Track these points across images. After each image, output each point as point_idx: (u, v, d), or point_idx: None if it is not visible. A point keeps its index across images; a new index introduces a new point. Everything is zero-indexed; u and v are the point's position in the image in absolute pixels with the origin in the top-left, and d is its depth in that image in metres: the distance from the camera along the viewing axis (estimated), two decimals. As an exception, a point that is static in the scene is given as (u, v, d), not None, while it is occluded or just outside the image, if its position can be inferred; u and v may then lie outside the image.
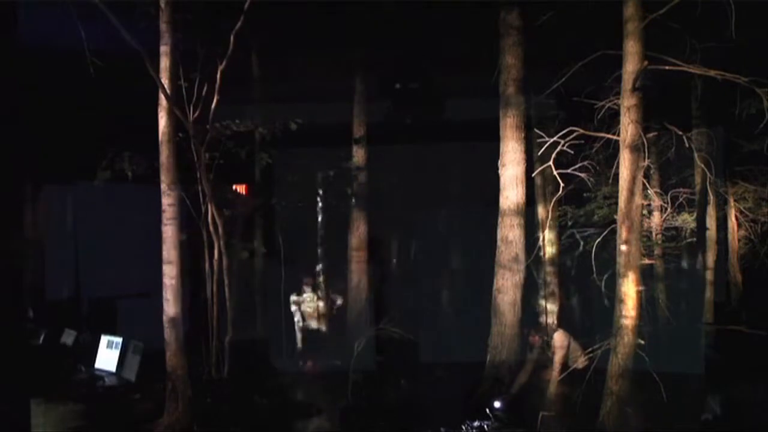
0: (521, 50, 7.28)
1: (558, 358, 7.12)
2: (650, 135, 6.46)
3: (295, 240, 10.28)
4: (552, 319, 9.71)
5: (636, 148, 5.78)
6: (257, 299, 10.03)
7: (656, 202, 8.57)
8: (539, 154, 7.65)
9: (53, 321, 9.62)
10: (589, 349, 6.55)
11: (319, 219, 10.61)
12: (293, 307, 9.60)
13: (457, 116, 10.43)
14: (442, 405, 7.25)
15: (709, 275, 8.80)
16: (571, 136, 6.19)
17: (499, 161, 7.34)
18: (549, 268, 9.78)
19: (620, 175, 5.86)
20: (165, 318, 6.34)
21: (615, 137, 6.10)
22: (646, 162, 6.19)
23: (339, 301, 9.89)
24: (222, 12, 7.11)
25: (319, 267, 10.49)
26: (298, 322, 9.57)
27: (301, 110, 8.77)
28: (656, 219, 9.13)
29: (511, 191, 7.27)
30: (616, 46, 5.87)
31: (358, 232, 9.75)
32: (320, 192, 10.38)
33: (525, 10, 7.25)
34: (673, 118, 6.78)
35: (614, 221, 6.19)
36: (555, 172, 6.29)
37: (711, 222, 8.99)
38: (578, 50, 6.28)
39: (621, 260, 5.84)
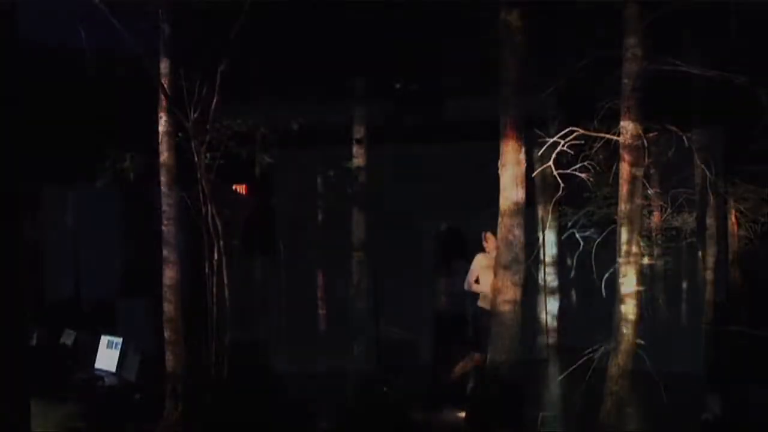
0: (522, 50, 7.27)
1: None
2: (650, 135, 6.46)
3: (295, 240, 10.30)
4: (551, 319, 9.74)
5: (636, 148, 5.78)
6: (257, 299, 10.05)
7: (656, 202, 8.57)
8: (539, 154, 7.66)
9: (53, 321, 9.62)
10: (588, 350, 6.56)
11: (319, 219, 10.62)
12: None
13: (456, 116, 10.43)
14: (440, 405, 7.26)
15: (709, 275, 8.80)
16: (571, 136, 6.19)
17: (499, 161, 7.35)
18: (549, 269, 9.79)
19: (620, 175, 5.87)
20: (165, 318, 6.35)
21: (615, 137, 6.10)
22: (646, 162, 6.19)
23: None
24: (223, 11, 7.12)
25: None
26: None
27: (301, 110, 8.77)
28: (656, 219, 9.14)
29: (511, 191, 7.26)
30: (617, 45, 5.88)
31: (358, 232, 9.77)
32: (320, 192, 10.40)
33: (525, 9, 7.24)
34: (673, 118, 6.78)
35: (614, 221, 6.19)
36: (555, 173, 6.30)
37: (711, 222, 8.99)
38: (578, 50, 6.29)
39: (621, 260, 5.85)
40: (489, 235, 7.34)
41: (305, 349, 9.49)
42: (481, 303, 7.39)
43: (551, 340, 9.67)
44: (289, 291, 9.91)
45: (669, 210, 8.68)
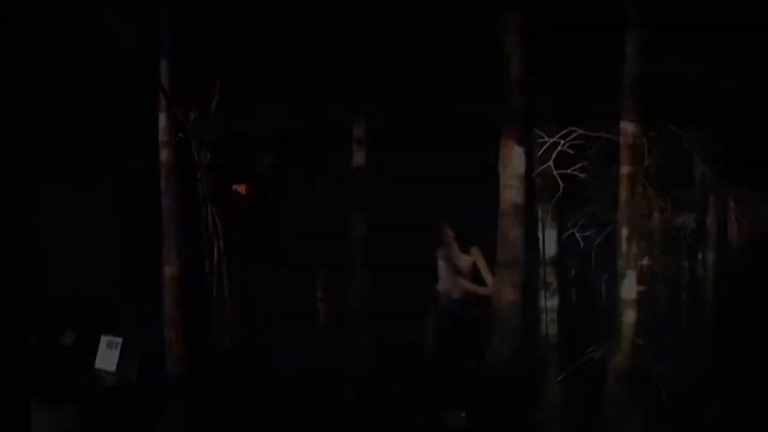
0: (522, 50, 7.27)
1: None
2: (650, 135, 6.47)
3: (295, 240, 10.29)
4: (551, 320, 9.74)
5: (636, 148, 5.79)
6: (257, 299, 10.04)
7: (656, 202, 8.57)
8: (539, 154, 7.68)
9: (53, 321, 9.62)
10: (588, 350, 6.57)
11: (319, 219, 10.61)
12: None
13: (456, 116, 10.43)
14: (440, 405, 7.26)
15: (709, 275, 8.81)
16: (572, 136, 6.21)
17: (499, 161, 7.35)
18: (549, 269, 9.78)
19: (620, 175, 5.88)
20: (165, 318, 6.36)
21: (615, 137, 6.11)
22: (646, 162, 6.20)
23: None
24: (223, 10, 7.12)
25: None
26: None
27: (301, 110, 8.78)
28: (656, 219, 9.14)
29: (511, 191, 7.27)
30: (617, 45, 5.88)
31: (358, 233, 9.76)
32: (320, 192, 10.40)
33: (526, 9, 7.25)
34: (673, 118, 6.79)
35: (614, 221, 6.20)
36: (555, 172, 6.31)
37: (711, 222, 9.00)
38: (579, 50, 6.30)
39: (621, 260, 5.85)
40: (443, 228, 7.42)
41: (305, 349, 9.49)
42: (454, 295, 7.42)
43: (551, 340, 9.67)
44: (289, 291, 9.90)
45: (669, 210, 8.68)
